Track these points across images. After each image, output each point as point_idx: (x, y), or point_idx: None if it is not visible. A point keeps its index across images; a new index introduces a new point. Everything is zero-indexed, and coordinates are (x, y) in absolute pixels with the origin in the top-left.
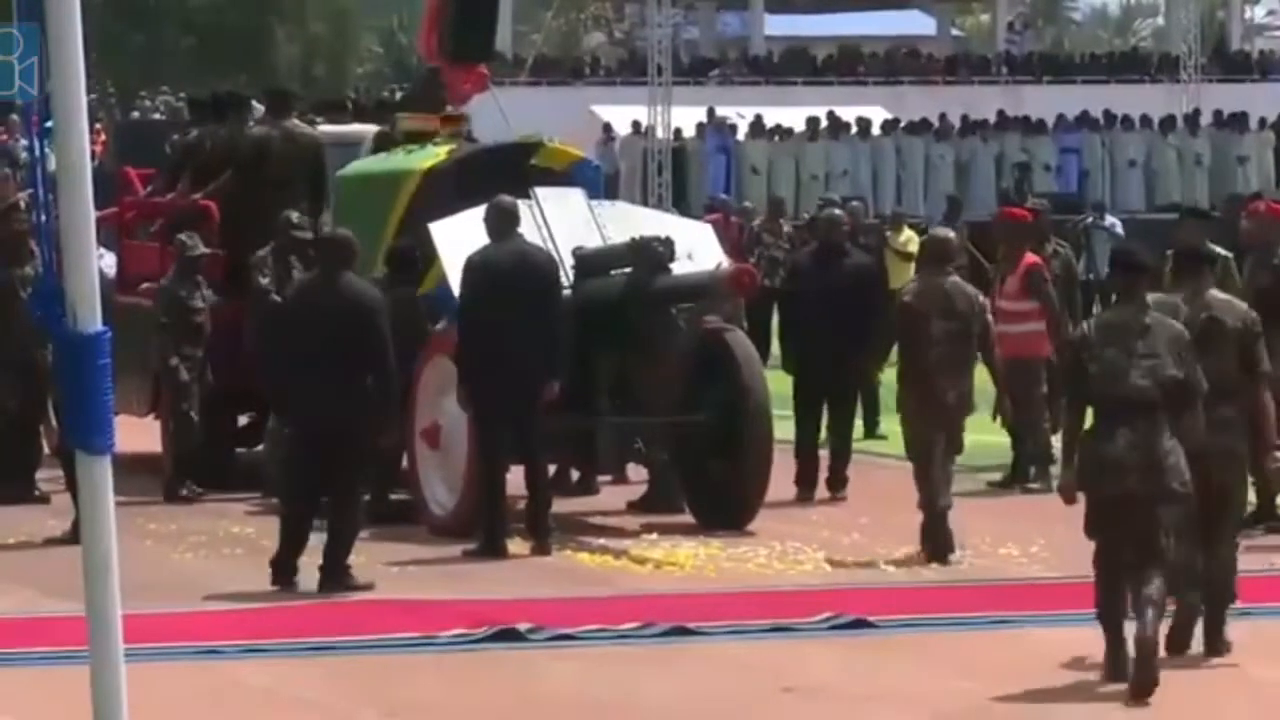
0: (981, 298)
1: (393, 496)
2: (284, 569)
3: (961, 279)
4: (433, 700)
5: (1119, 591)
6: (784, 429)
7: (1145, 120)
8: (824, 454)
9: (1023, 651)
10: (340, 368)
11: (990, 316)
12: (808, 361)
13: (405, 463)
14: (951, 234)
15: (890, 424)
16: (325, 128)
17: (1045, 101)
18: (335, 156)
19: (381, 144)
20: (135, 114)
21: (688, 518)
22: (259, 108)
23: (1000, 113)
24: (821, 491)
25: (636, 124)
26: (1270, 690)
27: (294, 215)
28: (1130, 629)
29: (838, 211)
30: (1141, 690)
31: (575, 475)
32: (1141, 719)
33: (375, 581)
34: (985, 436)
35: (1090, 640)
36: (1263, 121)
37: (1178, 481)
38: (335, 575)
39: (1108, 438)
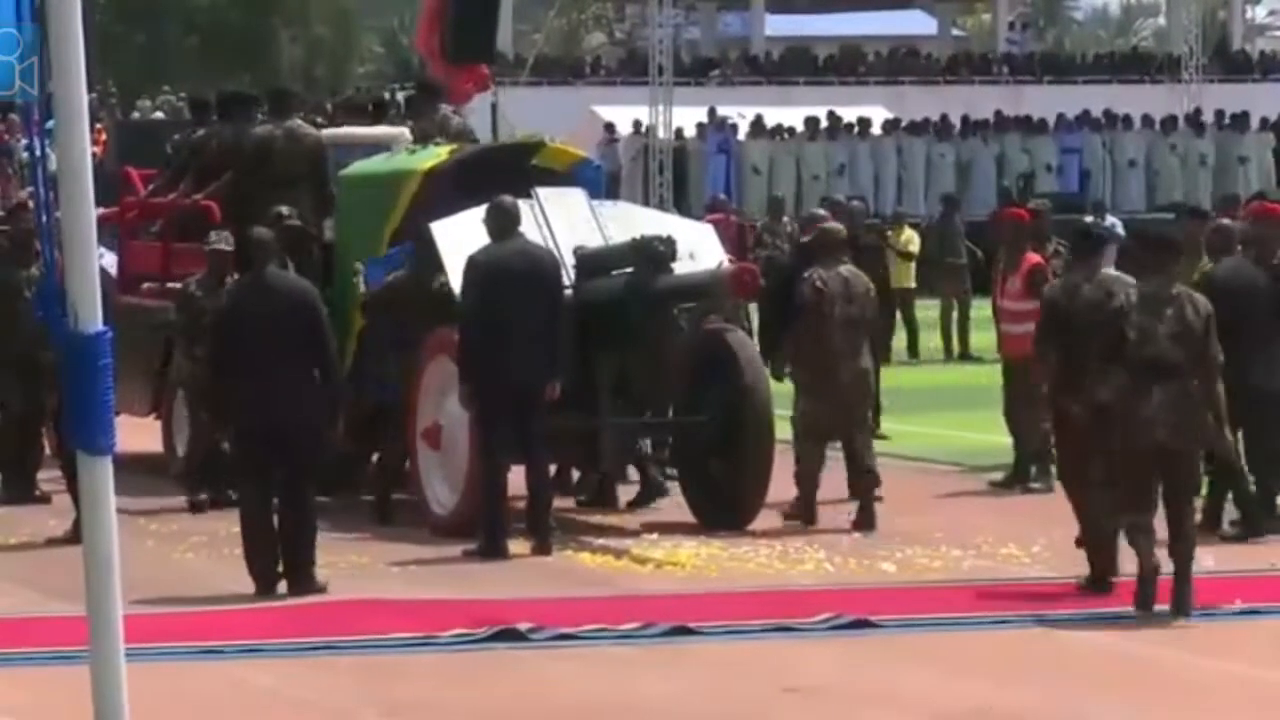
0: (873, 290)
1: (395, 497)
2: (263, 572)
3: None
4: (433, 700)
5: (1148, 535)
6: (785, 429)
7: (1146, 120)
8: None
9: (1024, 651)
10: (282, 364)
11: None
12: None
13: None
14: (840, 227)
15: (890, 423)
16: (351, 130)
17: (1046, 101)
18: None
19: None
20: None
21: (686, 516)
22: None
23: (997, 113)
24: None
25: (637, 124)
26: (1270, 690)
27: (284, 209)
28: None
29: (820, 211)
30: (1182, 608)
31: (575, 476)
32: (1141, 719)
33: (329, 584)
34: (986, 436)
35: (1090, 640)
36: (1264, 121)
37: (1202, 433)
38: (300, 576)
39: (1140, 396)
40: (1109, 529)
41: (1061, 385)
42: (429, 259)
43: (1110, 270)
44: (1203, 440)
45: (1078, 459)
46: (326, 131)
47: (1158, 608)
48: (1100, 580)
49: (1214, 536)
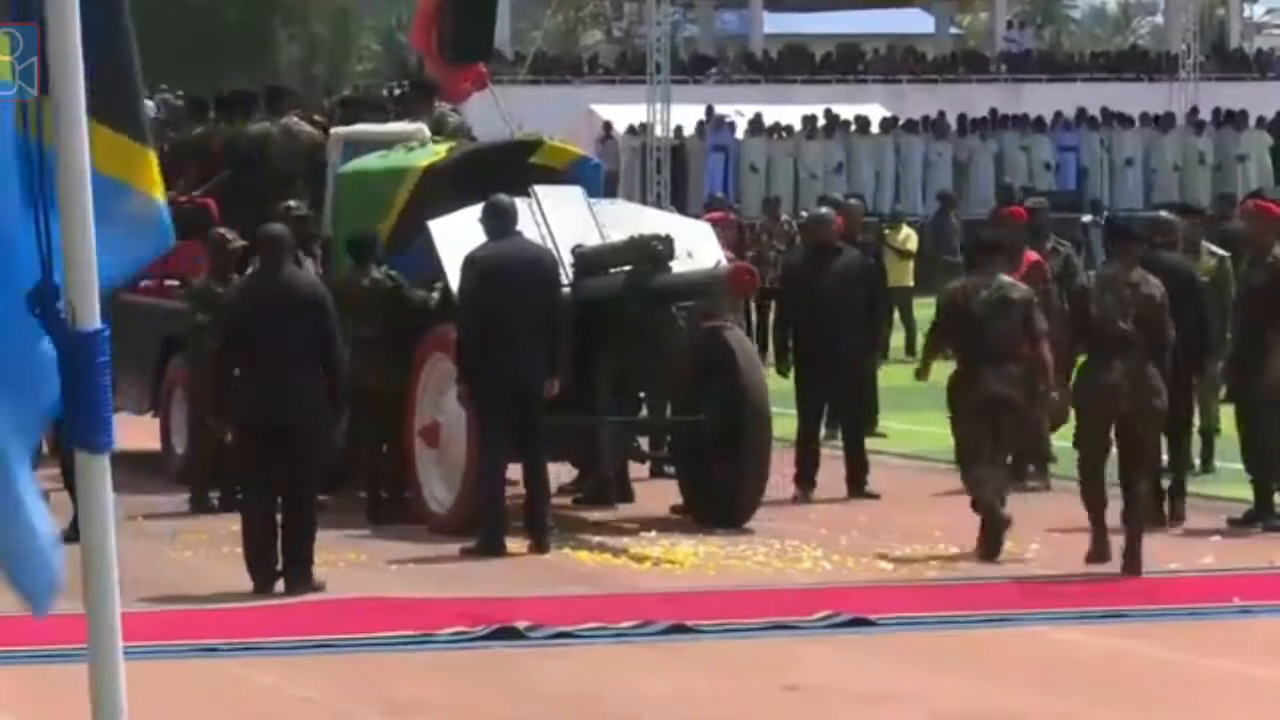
0: None
1: (384, 495)
2: (262, 570)
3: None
4: (432, 698)
5: (1101, 486)
6: (783, 427)
7: (1144, 119)
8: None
9: (1022, 650)
10: (290, 361)
11: None
12: (807, 362)
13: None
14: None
15: (888, 421)
16: (369, 126)
17: (1044, 100)
18: None
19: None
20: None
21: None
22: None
23: (993, 110)
24: (830, 491)
25: (634, 123)
26: (1270, 690)
27: (291, 201)
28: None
29: (826, 210)
30: (1133, 568)
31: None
32: (1140, 719)
33: (326, 582)
34: None
35: (1089, 640)
36: (1260, 120)
37: (1159, 401)
38: (298, 574)
39: (1105, 368)
40: (985, 495)
41: (963, 374)
42: (367, 256)
43: (1006, 276)
44: (1159, 411)
45: (979, 441)
46: (345, 129)
47: (1161, 610)
48: (991, 543)
49: (1211, 535)
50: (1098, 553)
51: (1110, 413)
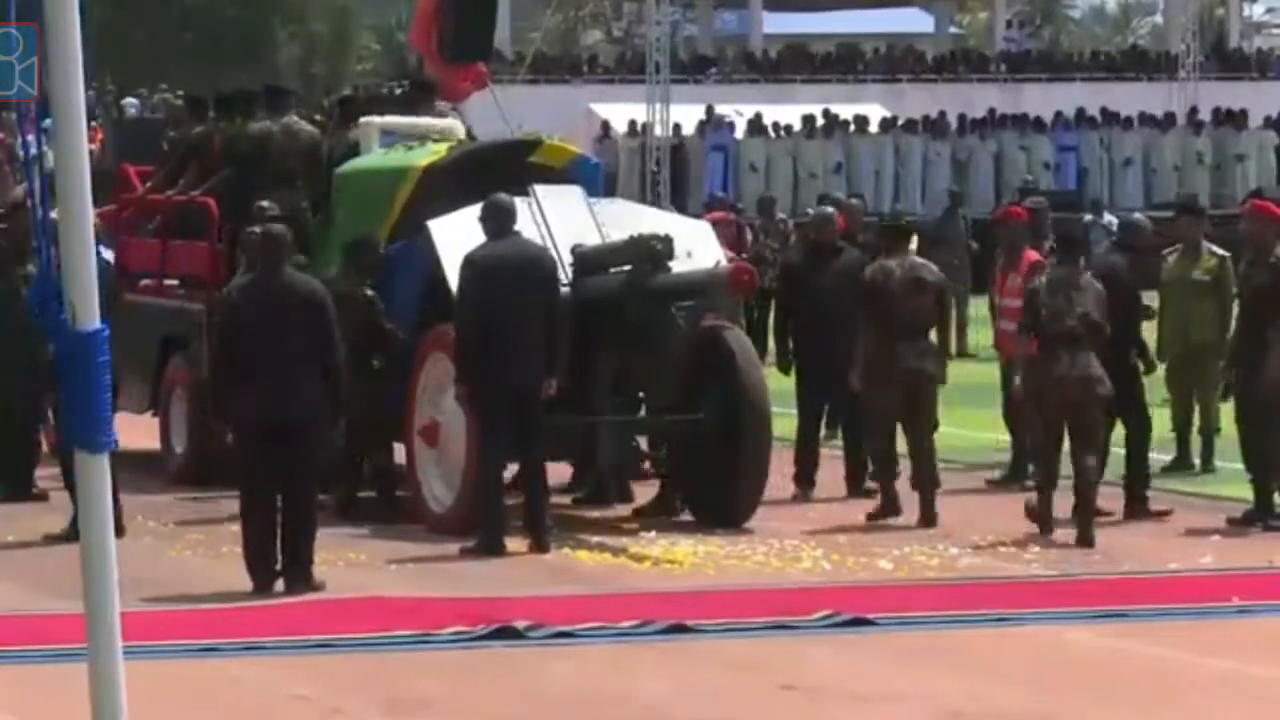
0: None
1: (361, 495)
2: (261, 569)
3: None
4: (431, 698)
5: (1054, 467)
6: (783, 426)
7: (1144, 118)
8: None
9: (1021, 649)
10: (290, 362)
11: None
12: (807, 361)
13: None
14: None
15: None
16: (405, 119)
17: (1044, 99)
18: None
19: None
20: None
21: (684, 514)
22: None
23: (991, 110)
24: (830, 491)
25: (633, 122)
26: (1270, 689)
27: (265, 202)
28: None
29: (829, 209)
30: (1086, 539)
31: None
32: (1137, 719)
33: (326, 582)
34: (984, 434)
35: (1088, 639)
36: (1267, 120)
37: (1103, 389)
38: (298, 574)
39: (1054, 360)
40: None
41: (880, 350)
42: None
43: (916, 257)
44: (1103, 398)
45: (889, 415)
46: (380, 118)
47: (1160, 609)
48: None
49: (1210, 535)
50: (1055, 524)
51: (1061, 402)
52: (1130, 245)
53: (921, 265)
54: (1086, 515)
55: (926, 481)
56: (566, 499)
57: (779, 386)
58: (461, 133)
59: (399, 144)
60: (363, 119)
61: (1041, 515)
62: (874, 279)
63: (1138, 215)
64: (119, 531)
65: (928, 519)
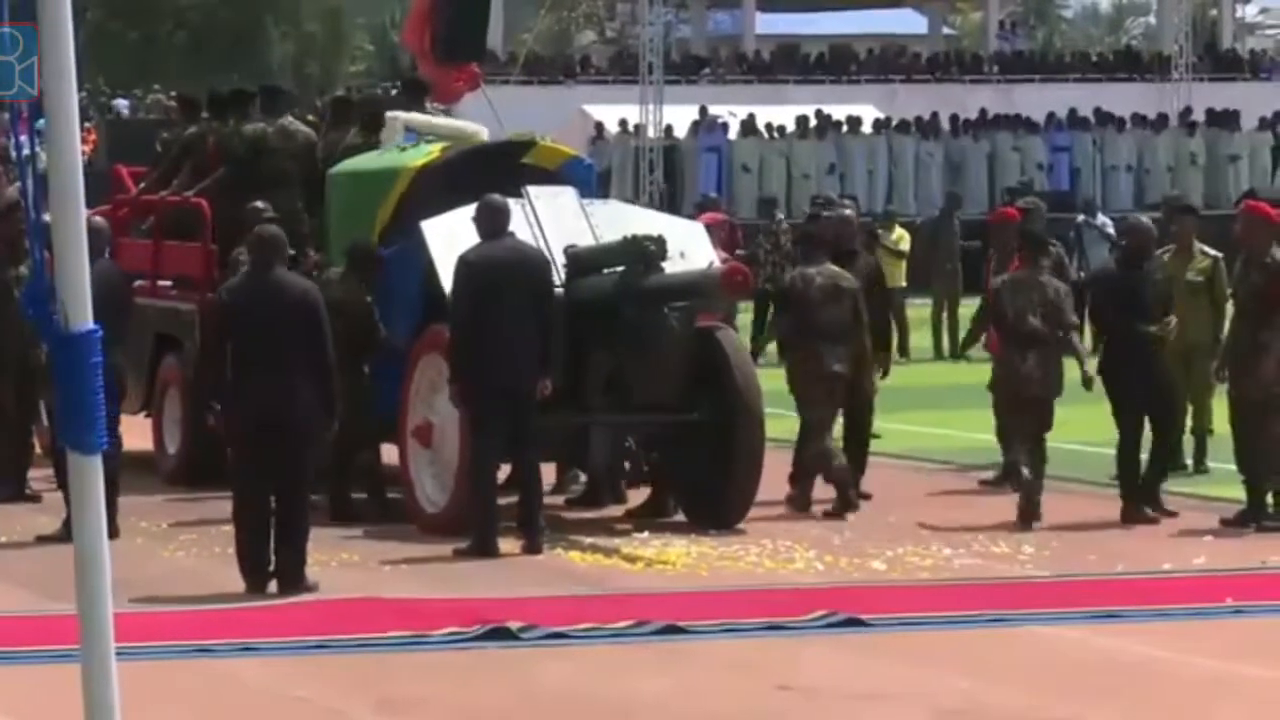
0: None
1: (355, 496)
2: (255, 570)
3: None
4: (425, 698)
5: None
6: (775, 427)
7: (1136, 119)
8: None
9: (1016, 650)
10: (281, 364)
11: None
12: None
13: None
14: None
15: (882, 422)
16: (428, 118)
17: (1037, 100)
18: None
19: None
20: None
21: (677, 515)
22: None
23: (984, 111)
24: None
25: (624, 122)
26: (1264, 690)
27: (259, 203)
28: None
29: (847, 211)
30: (1028, 516)
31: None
32: (1133, 718)
33: (319, 582)
34: (977, 435)
35: (1082, 639)
36: (1262, 120)
37: (1058, 386)
38: (291, 575)
39: (1020, 358)
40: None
41: (795, 345)
42: (360, 268)
43: (831, 265)
44: (1059, 391)
45: (825, 419)
46: (409, 115)
47: (1155, 609)
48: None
49: (1204, 535)
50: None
51: (1025, 395)
52: (1129, 245)
53: (839, 274)
54: (1035, 494)
55: (847, 474)
56: (560, 500)
57: (773, 387)
58: (485, 137)
59: (420, 141)
60: (389, 114)
61: (840, 503)
62: (794, 286)
63: (1143, 218)
64: (113, 533)
65: (842, 507)
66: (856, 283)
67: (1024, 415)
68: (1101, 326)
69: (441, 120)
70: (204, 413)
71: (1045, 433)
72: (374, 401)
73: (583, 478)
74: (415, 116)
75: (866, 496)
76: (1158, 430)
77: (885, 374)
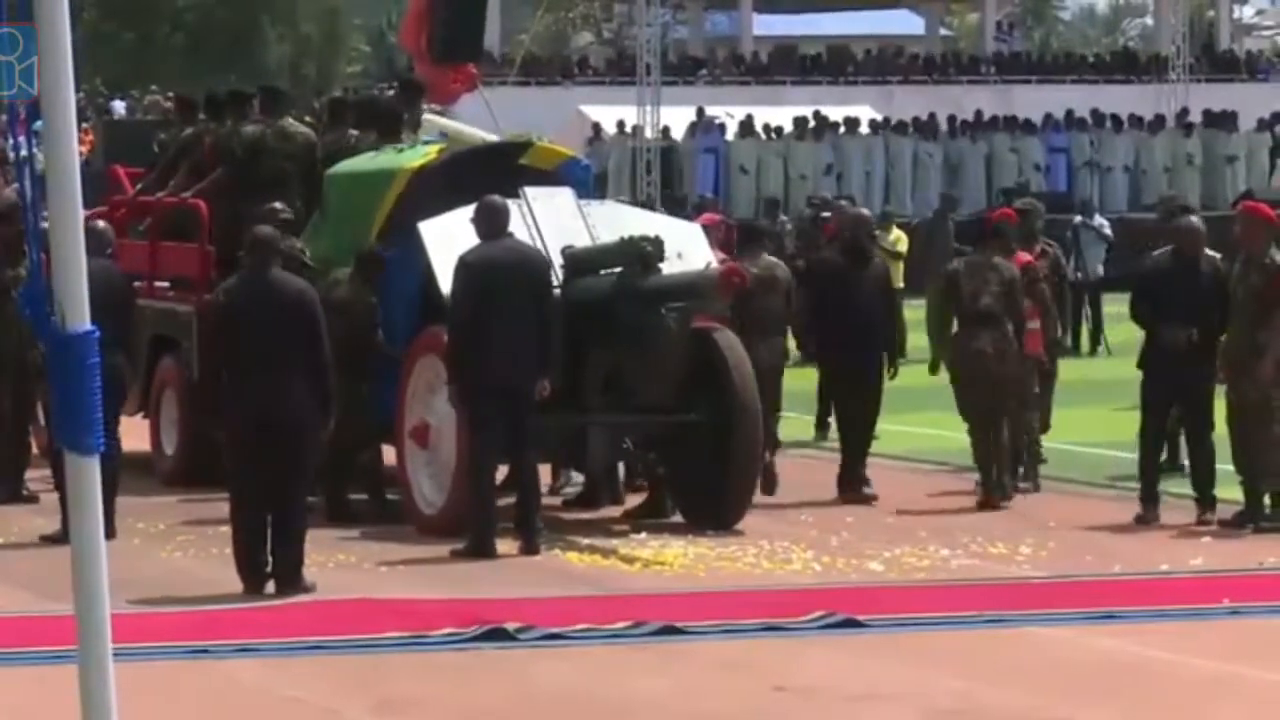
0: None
1: (352, 497)
2: (252, 571)
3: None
4: (423, 699)
5: (987, 434)
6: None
7: (1134, 120)
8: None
9: (1013, 650)
10: (278, 365)
11: None
12: (839, 362)
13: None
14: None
15: (879, 423)
16: (462, 126)
17: (1034, 101)
18: None
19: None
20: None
21: (675, 516)
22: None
23: (978, 112)
24: (821, 493)
25: (621, 123)
26: (1262, 690)
27: (278, 204)
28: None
29: (864, 210)
30: (994, 504)
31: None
32: (1130, 718)
33: (316, 583)
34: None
35: (1079, 640)
36: (1260, 122)
37: (1016, 364)
38: (289, 575)
39: (974, 337)
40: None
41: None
42: (365, 271)
43: (770, 257)
44: (1017, 369)
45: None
46: (440, 119)
47: (1152, 610)
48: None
49: (1201, 536)
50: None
51: (982, 374)
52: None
53: (775, 264)
54: (1001, 475)
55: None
56: (558, 500)
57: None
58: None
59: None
60: (425, 116)
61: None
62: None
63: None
64: (109, 533)
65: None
66: (789, 274)
67: (977, 392)
68: (1140, 324)
69: (468, 130)
70: (205, 421)
71: (1000, 415)
72: (374, 402)
73: (576, 477)
74: (449, 123)
75: (868, 499)
76: (1189, 433)
77: (894, 375)
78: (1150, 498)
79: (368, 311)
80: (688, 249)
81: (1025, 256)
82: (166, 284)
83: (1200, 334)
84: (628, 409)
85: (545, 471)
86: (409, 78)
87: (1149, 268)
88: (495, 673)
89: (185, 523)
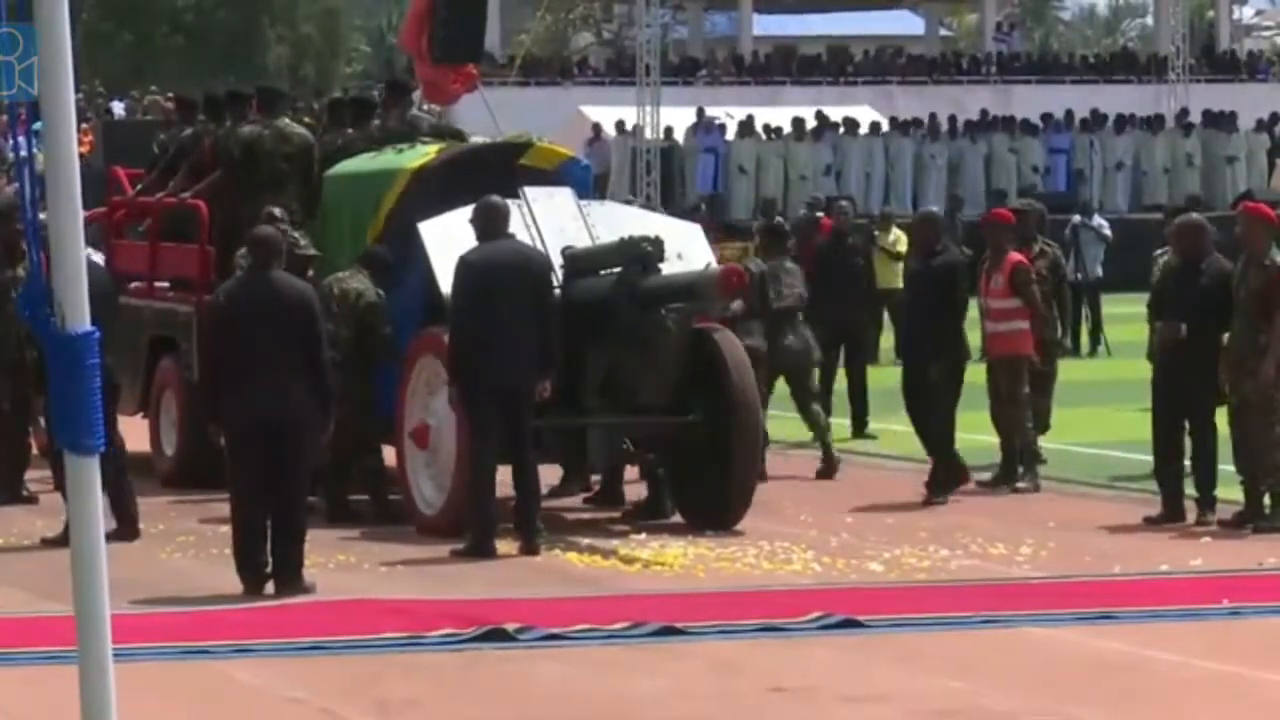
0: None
1: (354, 497)
2: (252, 571)
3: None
4: (422, 700)
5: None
6: (779, 429)
7: (1134, 120)
8: (809, 455)
9: (1013, 651)
10: (278, 365)
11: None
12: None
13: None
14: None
15: (878, 423)
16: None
17: (1034, 102)
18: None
19: None
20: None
21: (674, 516)
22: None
23: (983, 112)
24: (819, 492)
25: (620, 123)
26: (1261, 691)
27: (276, 210)
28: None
29: (933, 208)
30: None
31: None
32: (1129, 719)
33: (316, 584)
34: (974, 436)
35: (1078, 640)
36: (1259, 122)
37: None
38: (288, 576)
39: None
40: None
41: None
42: (372, 270)
43: (787, 261)
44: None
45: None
46: (426, 117)
47: (1151, 611)
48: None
49: (1201, 536)
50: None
51: (787, 363)
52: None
53: (786, 269)
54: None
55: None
56: (556, 501)
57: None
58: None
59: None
60: (412, 112)
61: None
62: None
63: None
64: (132, 532)
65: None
66: (761, 266)
67: (786, 378)
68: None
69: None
70: (206, 423)
71: (812, 397)
72: (377, 403)
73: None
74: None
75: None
76: (1194, 433)
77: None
78: (1171, 497)
79: (374, 310)
80: (688, 249)
81: (1018, 255)
82: (166, 284)
83: (1200, 333)
84: (627, 409)
85: (545, 472)
86: (395, 79)
87: (1162, 267)
88: (494, 674)
89: (185, 523)
